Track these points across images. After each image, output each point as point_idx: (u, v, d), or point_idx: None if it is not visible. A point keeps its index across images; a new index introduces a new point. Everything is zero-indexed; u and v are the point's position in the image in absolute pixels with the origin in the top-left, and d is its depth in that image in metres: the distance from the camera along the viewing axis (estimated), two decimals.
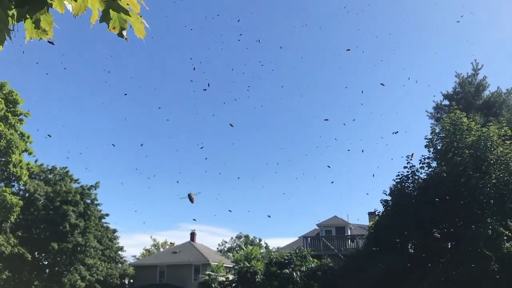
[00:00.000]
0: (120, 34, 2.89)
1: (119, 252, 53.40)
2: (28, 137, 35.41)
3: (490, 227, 18.46)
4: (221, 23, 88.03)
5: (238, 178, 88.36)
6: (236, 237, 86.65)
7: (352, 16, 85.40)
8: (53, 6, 2.87)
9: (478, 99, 31.58)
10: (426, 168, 23.16)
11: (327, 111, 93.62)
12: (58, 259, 40.86)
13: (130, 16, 2.81)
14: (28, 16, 2.94)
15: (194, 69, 27.73)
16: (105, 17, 2.83)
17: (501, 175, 19.97)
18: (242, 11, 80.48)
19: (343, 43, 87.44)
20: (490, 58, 77.41)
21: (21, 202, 33.28)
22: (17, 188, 39.03)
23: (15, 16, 2.98)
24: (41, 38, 3.16)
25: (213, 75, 79.02)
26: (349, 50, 47.99)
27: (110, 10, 2.79)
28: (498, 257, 17.57)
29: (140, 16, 2.88)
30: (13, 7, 2.93)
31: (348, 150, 70.95)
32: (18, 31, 3.18)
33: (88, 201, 45.04)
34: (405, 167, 23.38)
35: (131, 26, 2.88)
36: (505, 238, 18.04)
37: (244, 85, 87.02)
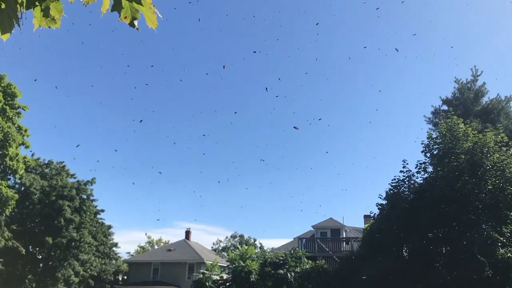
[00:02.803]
0: (132, 24, 2.89)
1: (114, 248, 53.42)
2: (25, 131, 35.35)
3: (485, 232, 18.52)
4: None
5: (246, 188, 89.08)
6: (231, 236, 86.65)
7: (354, 22, 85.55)
8: None
9: (476, 105, 31.64)
10: (422, 173, 23.21)
11: (325, 115, 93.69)
12: (52, 253, 40.80)
13: (142, 5, 2.81)
14: (37, 4, 2.95)
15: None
16: (116, 6, 2.83)
17: (497, 181, 20.01)
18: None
19: (343, 50, 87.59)
20: (491, 65, 77.69)
21: (16, 196, 33.22)
22: (13, 181, 38.97)
23: (24, 3, 2.99)
24: (49, 26, 3.16)
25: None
26: (397, 50, 44.17)
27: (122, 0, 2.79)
28: (492, 263, 17.62)
29: (153, 6, 2.89)
30: None
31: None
32: (26, 19, 3.18)
33: (84, 196, 44.97)
34: (401, 171, 23.42)
35: (142, 16, 2.89)
36: (499, 244, 18.09)
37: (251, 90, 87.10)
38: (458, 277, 18.18)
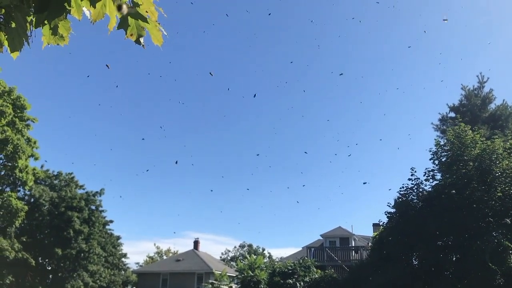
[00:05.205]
0: (138, 41, 2.96)
1: (123, 259, 53.55)
2: (34, 143, 35.68)
3: (496, 240, 18.35)
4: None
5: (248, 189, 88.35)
6: (240, 246, 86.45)
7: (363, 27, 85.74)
8: (71, 13, 2.96)
9: (484, 112, 31.49)
10: (430, 180, 23.09)
11: (338, 128, 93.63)
12: (62, 265, 40.95)
13: (148, 23, 2.88)
14: (46, 22, 3.02)
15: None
16: (123, 24, 2.90)
17: (506, 188, 19.85)
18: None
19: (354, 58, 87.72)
20: (497, 71, 77.34)
21: (26, 207, 33.43)
22: (22, 193, 39.24)
23: (33, 22, 3.07)
24: (58, 44, 3.24)
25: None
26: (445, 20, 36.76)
27: (129, 17, 2.86)
28: (503, 271, 17.45)
29: (159, 24, 2.96)
30: (31, 13, 3.01)
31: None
32: (36, 36, 3.27)
33: (93, 207, 45.18)
34: (409, 179, 23.32)
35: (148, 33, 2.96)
36: (510, 252, 17.93)
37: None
38: (469, 286, 18.01)
